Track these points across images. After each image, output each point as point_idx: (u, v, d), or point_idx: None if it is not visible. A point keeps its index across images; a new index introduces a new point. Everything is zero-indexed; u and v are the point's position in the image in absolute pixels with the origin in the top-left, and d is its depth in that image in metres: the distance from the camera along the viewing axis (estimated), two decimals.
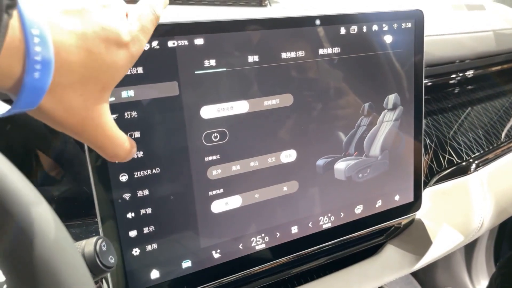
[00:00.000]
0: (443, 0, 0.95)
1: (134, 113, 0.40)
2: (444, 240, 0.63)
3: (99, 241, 0.36)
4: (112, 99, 0.39)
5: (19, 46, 0.22)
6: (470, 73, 0.79)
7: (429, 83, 0.73)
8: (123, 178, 0.41)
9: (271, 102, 0.47)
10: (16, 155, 0.48)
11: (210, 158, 0.45)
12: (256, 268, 0.50)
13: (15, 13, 0.21)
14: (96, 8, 0.26)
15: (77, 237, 0.47)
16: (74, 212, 0.50)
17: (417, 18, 0.55)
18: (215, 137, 0.45)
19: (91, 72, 0.25)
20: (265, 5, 0.70)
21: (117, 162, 0.38)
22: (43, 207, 0.25)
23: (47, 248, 0.24)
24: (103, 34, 0.26)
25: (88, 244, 0.35)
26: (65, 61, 0.24)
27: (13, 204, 0.23)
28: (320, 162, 0.52)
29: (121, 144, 0.30)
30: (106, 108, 0.28)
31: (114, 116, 0.39)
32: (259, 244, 0.50)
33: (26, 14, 0.22)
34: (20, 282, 0.23)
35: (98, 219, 0.41)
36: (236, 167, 0.47)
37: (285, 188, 0.50)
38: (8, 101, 0.25)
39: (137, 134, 0.41)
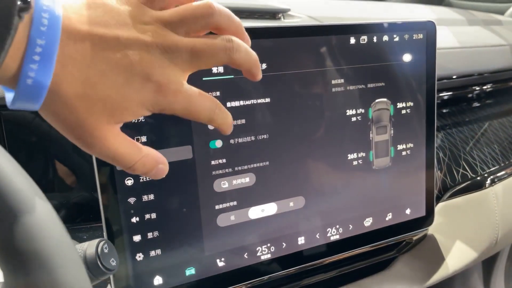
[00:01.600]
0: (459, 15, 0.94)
1: (141, 118, 0.41)
2: (457, 256, 0.61)
3: (101, 243, 0.36)
4: None
5: (20, 48, 0.22)
6: (486, 88, 0.78)
7: (443, 97, 0.72)
8: (129, 182, 0.41)
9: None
10: (32, 162, 0.48)
11: (217, 162, 0.45)
12: (261, 278, 0.50)
13: (26, 16, 0.22)
14: (132, 43, 0.25)
15: (83, 242, 0.47)
16: (82, 217, 0.50)
17: (429, 30, 0.54)
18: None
19: (98, 95, 0.25)
20: (279, 18, 0.71)
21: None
22: (43, 204, 0.25)
23: (45, 245, 0.24)
24: (126, 67, 0.25)
25: (90, 246, 0.36)
26: (66, 76, 0.24)
27: (12, 199, 0.23)
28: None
29: (129, 162, 0.28)
30: (112, 132, 0.26)
31: None
32: (264, 254, 0.49)
33: (36, 23, 0.22)
34: (15, 276, 0.23)
35: (103, 221, 0.41)
36: (245, 180, 0.46)
37: (291, 204, 0.50)
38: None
39: (143, 139, 0.41)
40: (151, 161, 0.28)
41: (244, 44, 0.29)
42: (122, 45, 0.25)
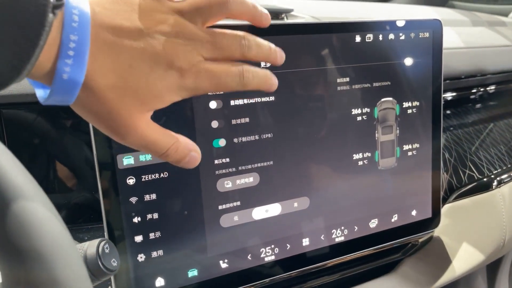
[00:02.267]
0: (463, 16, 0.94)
1: None
2: (464, 259, 0.60)
3: (102, 243, 0.35)
4: None
5: (54, 45, 0.23)
6: (491, 88, 0.77)
7: (449, 97, 0.71)
8: (131, 181, 0.41)
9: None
10: (32, 162, 0.48)
11: (220, 161, 0.44)
12: (265, 281, 0.49)
13: (59, 13, 0.22)
14: (153, 32, 0.26)
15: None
16: (83, 218, 0.50)
17: (435, 28, 0.53)
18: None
19: (127, 85, 0.25)
20: (282, 19, 0.71)
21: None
22: (43, 201, 0.24)
23: (44, 242, 0.23)
24: (150, 56, 0.26)
25: (91, 246, 0.35)
26: (98, 69, 0.24)
27: (11, 195, 0.22)
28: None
29: (163, 148, 0.28)
30: (144, 120, 0.27)
31: None
32: (268, 255, 0.48)
33: (67, 20, 0.23)
34: (13, 274, 0.22)
35: (104, 221, 0.40)
36: (249, 179, 0.46)
37: (295, 204, 0.49)
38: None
39: None
40: (183, 147, 0.29)
41: (255, 40, 0.30)
42: (145, 35, 0.26)
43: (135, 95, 0.26)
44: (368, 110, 0.51)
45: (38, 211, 0.23)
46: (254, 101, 0.45)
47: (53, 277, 0.23)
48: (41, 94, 0.26)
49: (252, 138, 0.45)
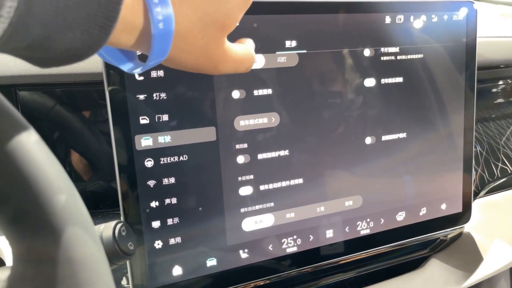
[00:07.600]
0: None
1: (163, 95, 0.38)
2: (496, 256, 0.57)
3: (119, 225, 0.33)
4: (141, 78, 0.37)
5: (138, 3, 0.22)
6: None
7: (480, 88, 0.68)
8: (149, 163, 0.39)
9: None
10: (51, 150, 0.46)
11: (241, 145, 0.42)
12: (286, 273, 0.46)
13: None
14: None
15: None
16: (100, 206, 0.48)
17: (470, 10, 0.51)
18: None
19: (207, 14, 0.25)
20: None
21: None
22: (60, 174, 0.22)
23: (59, 217, 0.21)
24: None
25: (107, 228, 0.33)
26: (180, 10, 0.24)
27: (24, 167, 0.21)
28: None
29: (251, 62, 0.29)
30: (226, 44, 0.27)
31: (143, 96, 0.38)
32: (290, 246, 0.46)
33: None
34: (24, 251, 0.21)
35: (120, 205, 0.38)
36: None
37: (347, 203, 0.46)
38: None
39: (165, 118, 0.39)
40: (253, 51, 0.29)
41: None
42: None
43: (215, 22, 0.26)
44: (396, 96, 0.48)
45: (54, 183, 0.21)
46: (277, 90, 0.42)
47: (68, 255, 0.21)
48: (130, 67, 0.26)
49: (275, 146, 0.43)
